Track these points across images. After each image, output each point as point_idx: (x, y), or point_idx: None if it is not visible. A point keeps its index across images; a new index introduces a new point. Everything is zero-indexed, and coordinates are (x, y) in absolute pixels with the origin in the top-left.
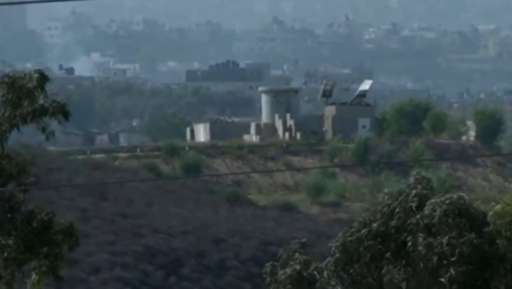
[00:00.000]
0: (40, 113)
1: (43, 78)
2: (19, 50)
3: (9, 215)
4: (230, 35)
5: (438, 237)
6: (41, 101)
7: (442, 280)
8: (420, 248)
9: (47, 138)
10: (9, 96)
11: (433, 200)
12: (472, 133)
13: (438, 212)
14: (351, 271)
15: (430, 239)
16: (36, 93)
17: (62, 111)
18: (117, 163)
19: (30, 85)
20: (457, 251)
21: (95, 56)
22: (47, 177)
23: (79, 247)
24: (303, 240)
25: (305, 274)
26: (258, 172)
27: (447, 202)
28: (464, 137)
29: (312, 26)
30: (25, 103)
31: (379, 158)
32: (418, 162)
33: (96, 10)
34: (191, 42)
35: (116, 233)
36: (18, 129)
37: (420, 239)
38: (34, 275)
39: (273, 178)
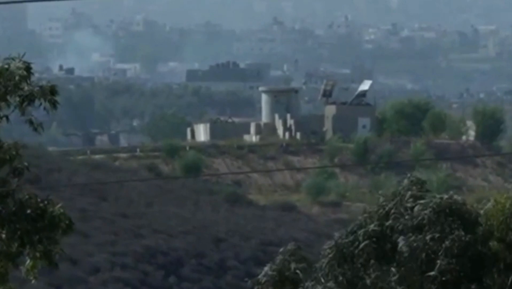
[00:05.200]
0: (29, 100)
1: (27, 67)
2: (19, 50)
3: (1, 204)
4: (230, 35)
5: (421, 235)
6: (26, 90)
7: (432, 273)
8: (404, 248)
9: (35, 129)
10: None
11: (422, 201)
12: (472, 133)
13: (427, 212)
14: (347, 272)
15: (412, 237)
16: (23, 84)
17: (51, 94)
18: (117, 163)
19: (16, 75)
20: (443, 245)
21: (95, 56)
22: (47, 177)
23: (79, 247)
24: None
25: (287, 273)
26: (258, 172)
27: (436, 201)
28: (464, 137)
29: (312, 27)
30: (13, 91)
31: (379, 158)
32: (418, 161)
33: (96, 10)
34: (191, 42)
35: (116, 233)
36: (8, 120)
37: (402, 241)
38: (28, 261)
39: (273, 178)
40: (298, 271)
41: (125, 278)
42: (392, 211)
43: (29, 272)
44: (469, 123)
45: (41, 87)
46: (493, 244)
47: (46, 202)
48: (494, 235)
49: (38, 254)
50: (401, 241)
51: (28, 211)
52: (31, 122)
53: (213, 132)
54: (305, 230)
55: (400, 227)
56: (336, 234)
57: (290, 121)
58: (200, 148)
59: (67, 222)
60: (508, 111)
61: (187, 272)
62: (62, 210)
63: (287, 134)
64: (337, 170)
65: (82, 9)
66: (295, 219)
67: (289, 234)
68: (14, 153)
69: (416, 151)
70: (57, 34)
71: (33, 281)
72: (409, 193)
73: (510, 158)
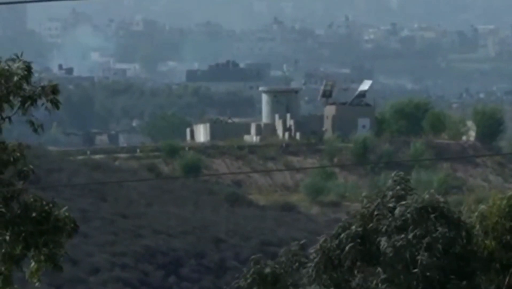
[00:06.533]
0: (31, 100)
1: (28, 67)
2: (19, 50)
3: (6, 206)
4: (230, 35)
5: (404, 234)
6: (28, 91)
7: (415, 270)
8: (387, 249)
9: (35, 131)
10: None
11: (403, 202)
12: (472, 134)
13: (410, 211)
14: (334, 275)
15: (395, 237)
16: (24, 85)
17: (53, 93)
18: (117, 163)
19: (16, 76)
20: (424, 241)
21: (95, 56)
22: (47, 177)
23: (79, 247)
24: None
25: (266, 271)
26: (258, 172)
27: (418, 200)
28: (464, 138)
29: (312, 26)
30: (15, 92)
31: (378, 158)
32: (418, 161)
33: (96, 10)
34: (191, 42)
35: (116, 233)
36: (10, 121)
37: (385, 242)
38: (32, 264)
39: (273, 178)
40: (276, 266)
41: (125, 278)
42: (375, 212)
43: (33, 274)
44: (469, 123)
45: (42, 87)
46: (490, 242)
47: (51, 205)
48: (489, 234)
49: (42, 257)
50: (383, 242)
51: (33, 214)
52: (31, 123)
53: (213, 133)
54: (305, 230)
55: (383, 229)
56: (321, 238)
57: (290, 122)
58: (200, 148)
59: (72, 225)
60: (508, 111)
61: (187, 272)
62: (67, 213)
63: (287, 134)
64: (336, 170)
65: (82, 9)
66: (295, 219)
67: (289, 234)
68: (18, 154)
69: (416, 151)
70: (56, 34)
71: (37, 284)
72: (391, 192)
73: (510, 158)
